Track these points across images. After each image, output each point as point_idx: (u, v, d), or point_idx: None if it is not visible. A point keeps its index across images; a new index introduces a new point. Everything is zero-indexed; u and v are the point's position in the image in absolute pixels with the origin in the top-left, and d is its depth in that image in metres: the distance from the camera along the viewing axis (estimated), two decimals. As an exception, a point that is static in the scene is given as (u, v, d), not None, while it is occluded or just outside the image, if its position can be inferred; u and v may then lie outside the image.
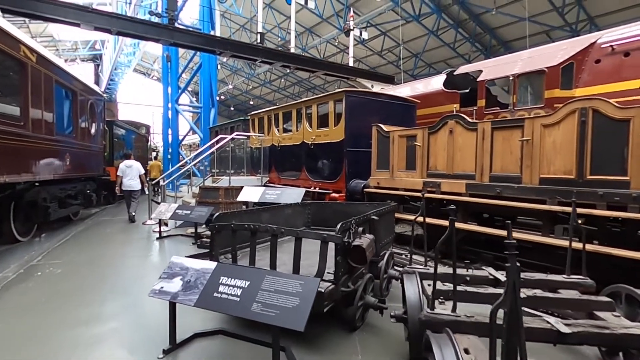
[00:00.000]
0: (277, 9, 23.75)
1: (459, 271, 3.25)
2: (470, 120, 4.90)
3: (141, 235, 7.93)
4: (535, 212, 4.20)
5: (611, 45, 6.05)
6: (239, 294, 2.73)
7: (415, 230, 4.23)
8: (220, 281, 2.95)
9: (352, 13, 14.79)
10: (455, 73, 8.40)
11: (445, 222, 5.18)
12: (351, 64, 14.54)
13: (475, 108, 7.70)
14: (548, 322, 2.27)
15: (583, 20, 17.46)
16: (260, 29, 12.47)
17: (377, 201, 6.35)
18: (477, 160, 4.78)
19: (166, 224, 8.26)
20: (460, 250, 5.39)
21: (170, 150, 16.52)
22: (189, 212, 7.12)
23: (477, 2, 18.47)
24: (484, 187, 4.68)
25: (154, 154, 21.39)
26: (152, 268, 5.39)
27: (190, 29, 11.69)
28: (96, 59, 34.45)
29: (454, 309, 2.39)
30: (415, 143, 5.56)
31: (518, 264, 1.58)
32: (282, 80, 33.37)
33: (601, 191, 3.62)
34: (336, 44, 25.17)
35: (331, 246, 3.13)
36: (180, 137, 16.98)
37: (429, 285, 2.88)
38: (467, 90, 8.48)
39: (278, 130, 9.20)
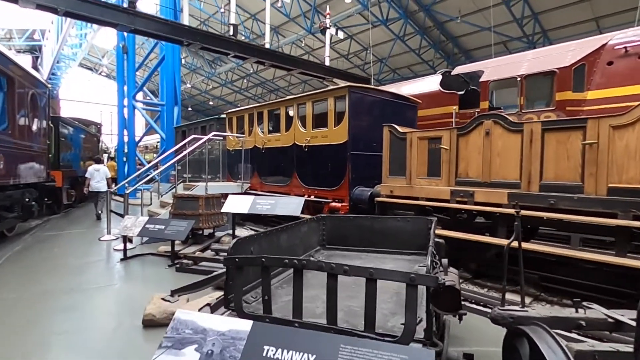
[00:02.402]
0: (241, 6, 22.27)
1: (567, 311, 2.44)
2: (513, 120, 4.17)
3: (99, 254, 6.36)
4: (603, 228, 3.55)
5: (625, 47, 5.70)
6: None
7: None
8: (266, 354, 1.84)
9: (328, 10, 13.91)
10: (452, 73, 7.80)
11: (482, 238, 4.45)
12: (327, 63, 13.65)
13: (477, 110, 7.12)
14: None
15: (538, 32, 18.11)
16: (233, 20, 11.15)
17: (389, 212, 5.47)
18: (522, 167, 4.05)
19: (130, 240, 6.75)
20: (493, 268, 4.67)
21: (126, 152, 14.52)
22: (162, 226, 5.75)
23: (442, 10, 18.50)
24: (533, 197, 3.96)
25: (105, 155, 18.91)
26: (126, 312, 3.85)
27: (155, 16, 10.08)
28: (35, 51, 30.28)
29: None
30: (441, 146, 4.75)
31: None
32: (245, 81, 31.69)
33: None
34: (302, 45, 24.19)
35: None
36: (137, 138, 15.03)
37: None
38: (464, 92, 7.93)
39: (262, 130, 8.02)
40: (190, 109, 40.47)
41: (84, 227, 8.83)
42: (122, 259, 5.90)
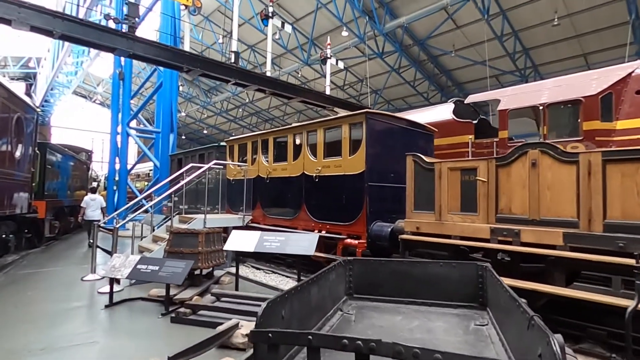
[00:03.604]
0: (239, 38, 22.34)
1: None
2: (564, 150, 3.66)
3: (81, 299, 5.46)
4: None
5: (653, 76, 5.39)
6: None
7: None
8: None
9: (329, 41, 13.80)
10: (466, 102, 7.43)
11: (535, 285, 3.80)
12: (328, 92, 13.36)
13: (495, 140, 6.69)
14: None
15: (529, 67, 18.40)
16: (234, 47, 10.82)
17: (416, 252, 4.82)
18: (580, 203, 3.49)
19: (118, 281, 5.88)
20: (547, 320, 3.99)
21: (117, 180, 13.68)
22: (156, 267, 4.94)
23: (435, 44, 18.76)
24: (595, 238, 3.37)
25: (95, 183, 17.96)
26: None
27: (154, 41, 9.67)
28: (29, 79, 29.71)
29: None
30: (478, 178, 4.20)
31: None
32: (240, 110, 31.48)
33: None
34: (299, 76, 24.23)
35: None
36: (129, 166, 14.27)
37: None
38: (476, 121, 7.54)
39: (267, 159, 7.41)
40: (184, 137, 39.95)
41: (65, 264, 7.88)
42: (107, 305, 5.03)
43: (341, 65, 14.11)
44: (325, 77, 22.91)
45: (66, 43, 16.98)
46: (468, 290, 3.35)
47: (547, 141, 3.90)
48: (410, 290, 3.49)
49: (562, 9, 14.71)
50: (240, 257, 7.65)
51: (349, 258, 3.73)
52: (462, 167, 4.40)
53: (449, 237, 4.45)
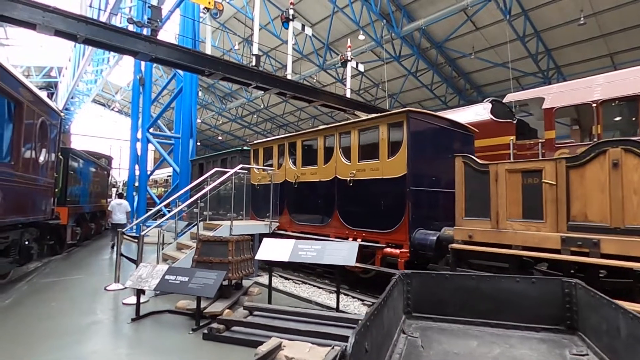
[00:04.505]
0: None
1: None
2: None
3: (105, 311, 5.11)
4: None
5: None
6: None
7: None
8: None
9: (349, 43, 13.45)
10: (504, 101, 6.93)
11: (628, 305, 3.28)
12: (349, 95, 12.97)
13: (541, 140, 6.17)
14: None
15: (552, 68, 17.74)
16: (255, 51, 10.53)
17: (468, 263, 4.34)
18: (678, 209, 2.99)
19: (143, 292, 5.52)
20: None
21: (136, 186, 13.50)
22: (185, 278, 4.57)
23: (453, 47, 18.27)
24: (701, 250, 2.86)
25: (114, 190, 17.87)
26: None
27: (177, 45, 9.45)
28: (50, 87, 30.20)
29: None
30: (545, 181, 3.71)
31: None
32: (255, 116, 31.38)
33: None
34: (314, 81, 23.94)
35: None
36: (148, 172, 14.08)
37: None
38: (514, 121, 7.04)
39: (294, 162, 7.01)
40: (199, 143, 40.04)
41: (88, 272, 7.59)
42: (133, 319, 4.67)
43: (361, 67, 13.71)
44: (341, 81, 22.74)
45: (87, 52, 17.05)
46: (552, 310, 2.85)
47: (632, 138, 3.40)
48: (480, 309, 2.99)
49: (587, 8, 14.08)
50: (265, 265, 7.28)
51: (406, 272, 3.27)
52: (524, 169, 3.92)
53: (508, 246, 3.96)
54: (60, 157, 7.87)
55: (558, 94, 6.10)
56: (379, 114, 5.44)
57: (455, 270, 4.31)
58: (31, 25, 7.53)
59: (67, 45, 23.30)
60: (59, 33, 7.59)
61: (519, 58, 17.35)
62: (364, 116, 12.63)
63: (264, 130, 33.43)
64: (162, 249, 7.03)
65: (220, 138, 37.24)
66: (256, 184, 7.96)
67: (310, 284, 6.27)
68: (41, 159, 6.47)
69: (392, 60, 19.38)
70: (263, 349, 3.30)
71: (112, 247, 10.52)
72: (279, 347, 3.40)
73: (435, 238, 4.73)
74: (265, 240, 5.08)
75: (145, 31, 8.73)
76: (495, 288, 2.94)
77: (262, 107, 28.55)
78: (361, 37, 18.24)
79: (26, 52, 24.99)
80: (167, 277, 4.66)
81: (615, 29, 14.91)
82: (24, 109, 5.44)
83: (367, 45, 18.68)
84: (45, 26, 7.38)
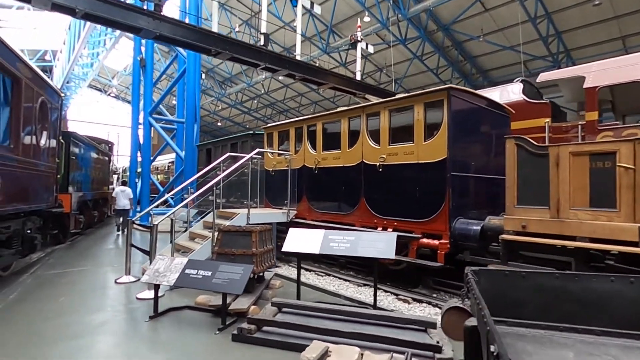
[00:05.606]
0: (256, 27, 21.30)
1: None
2: None
3: (118, 306, 4.64)
4: None
5: None
6: None
7: None
8: None
9: (359, 23, 12.72)
10: (538, 80, 6.39)
11: None
12: (359, 77, 12.34)
13: (581, 122, 5.69)
14: None
15: (562, 52, 17.14)
16: (264, 29, 9.83)
17: (519, 256, 3.90)
18: None
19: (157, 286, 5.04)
20: None
21: (138, 172, 12.89)
22: (208, 273, 4.09)
23: (461, 29, 17.55)
24: None
25: (114, 176, 17.23)
26: None
27: (182, 21, 8.73)
28: (45, 72, 28.96)
29: None
30: (620, 164, 3.24)
31: None
32: (255, 102, 30.51)
33: None
34: (316, 65, 23.08)
35: None
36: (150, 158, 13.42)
37: None
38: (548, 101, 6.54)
39: (314, 146, 6.48)
40: (198, 129, 39.13)
41: (95, 263, 7.10)
42: (151, 317, 4.21)
43: (371, 49, 13.02)
44: (344, 65, 21.94)
45: (82, 33, 16.08)
46: (655, 314, 2.40)
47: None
48: (564, 312, 2.54)
49: (601, -12, 13.43)
50: (282, 255, 6.84)
51: (473, 269, 2.80)
52: (593, 151, 3.44)
53: (571, 238, 3.52)
54: (62, 141, 7.25)
55: (601, 72, 5.58)
56: (414, 93, 4.88)
57: (507, 265, 3.88)
58: (26, 0, 6.82)
59: (61, 26, 22.18)
60: (56, 7, 6.87)
61: (527, 41, 16.72)
62: (374, 100, 12.07)
63: (264, 116, 32.62)
64: (173, 238, 6.55)
65: (219, 124, 36.35)
66: (271, 169, 7.43)
67: (334, 276, 5.85)
68: (42, 142, 5.87)
69: (398, 43, 18.62)
70: (309, 355, 2.86)
71: (117, 230, 11.08)
72: (326, 353, 2.97)
73: (479, 228, 4.29)
74: (291, 230, 4.61)
75: (145, 6, 7.97)
76: (584, 288, 2.49)
77: (262, 92, 27.69)
78: (366, 18, 17.43)
79: (20, 34, 23.75)
80: (187, 271, 4.18)
81: (629, 10, 14.30)
82: (22, 86, 4.82)
83: (372, 28, 17.89)
84: (40, 0, 6.68)
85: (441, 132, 4.53)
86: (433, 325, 3.48)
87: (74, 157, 8.98)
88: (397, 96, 5.26)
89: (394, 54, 20.02)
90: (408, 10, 16.28)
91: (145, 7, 7.81)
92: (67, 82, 24.31)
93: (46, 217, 6.97)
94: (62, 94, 7.25)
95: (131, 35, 15.87)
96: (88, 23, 14.33)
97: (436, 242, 4.52)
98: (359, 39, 12.05)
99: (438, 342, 3.13)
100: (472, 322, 2.04)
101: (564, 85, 6.56)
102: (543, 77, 6.41)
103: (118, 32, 17.04)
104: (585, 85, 5.58)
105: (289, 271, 6.51)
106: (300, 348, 3.14)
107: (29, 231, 6.21)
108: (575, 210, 3.51)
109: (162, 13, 8.07)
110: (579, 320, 2.43)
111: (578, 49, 17.05)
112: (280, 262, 7.12)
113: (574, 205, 3.52)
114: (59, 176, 7.04)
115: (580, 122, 5.70)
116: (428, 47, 18.97)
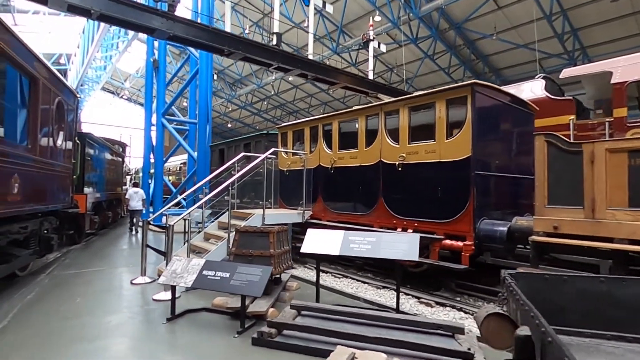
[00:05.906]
0: (267, 28, 21.30)
1: None
2: None
3: (135, 308, 4.57)
4: None
5: None
6: None
7: None
8: None
9: (371, 22, 12.58)
10: (561, 76, 6.16)
11: None
12: (371, 77, 12.19)
13: (608, 119, 5.46)
14: None
15: (577, 49, 16.73)
16: (276, 29, 9.76)
17: (550, 257, 3.71)
18: None
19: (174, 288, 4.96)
20: None
21: (152, 173, 12.93)
22: (226, 274, 3.98)
23: (473, 28, 17.26)
24: None
25: (127, 177, 17.36)
26: None
27: (195, 22, 8.70)
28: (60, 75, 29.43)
29: None
30: (663, 162, 3.05)
31: None
32: (264, 103, 30.56)
33: None
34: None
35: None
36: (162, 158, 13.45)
37: None
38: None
39: (330, 146, 6.36)
40: (208, 131, 39.39)
41: (110, 264, 7.08)
42: (168, 319, 4.13)
43: (383, 48, 12.86)
44: (355, 65, 21.80)
45: (96, 37, 16.25)
46: None
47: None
48: (611, 320, 2.37)
49: (620, -16, 13.04)
50: (297, 256, 6.72)
51: (510, 272, 2.64)
52: (632, 148, 3.24)
53: (607, 239, 3.33)
54: (78, 142, 7.26)
55: (629, 67, 5.35)
56: (435, 89, 4.72)
57: (537, 268, 3.69)
58: (43, 1, 6.86)
59: (76, 30, 22.48)
60: (72, 8, 6.91)
61: (541, 39, 16.35)
62: (387, 99, 11.89)
63: (273, 117, 32.65)
64: (189, 239, 6.49)
65: (229, 125, 36.51)
66: (285, 169, 7.32)
67: (352, 278, 5.70)
68: (59, 143, 5.87)
69: (409, 43, 18.39)
70: (335, 361, 2.73)
71: (130, 230, 11.36)
72: (352, 359, 2.83)
73: (505, 229, 4.10)
74: (310, 231, 4.49)
75: (159, 6, 7.95)
76: (633, 293, 2.31)
77: (272, 93, 27.70)
78: (377, 18, 17.25)
79: (35, 38, 24.18)
80: (205, 272, 4.09)
81: (648, 5, 13.86)
82: (39, 86, 4.80)
83: (382, 27, 17.70)
84: (57, 1, 6.71)
85: (465, 130, 4.36)
86: (461, 330, 3.32)
87: (89, 158, 9.02)
88: (416, 93, 5.09)
89: (406, 53, 19.80)
90: (420, 9, 16.06)
91: (158, 8, 7.80)
92: (81, 85, 24.64)
93: (62, 217, 6.98)
94: (78, 95, 7.26)
95: (144, 37, 15.98)
96: (102, 27, 14.48)
97: (460, 243, 4.34)
98: (372, 37, 11.89)
99: (469, 349, 2.97)
100: (524, 331, 1.89)
101: (588, 81, 6.33)
102: (567, 72, 6.18)
103: (131, 35, 17.23)
104: (612, 81, 5.35)
105: (305, 273, 6.39)
106: (323, 353, 3.01)
107: (45, 231, 6.21)
108: (612, 210, 3.31)
109: (175, 13, 8.05)
110: (627, 327, 2.25)
111: (594, 46, 16.62)
112: (296, 263, 7.00)
113: (611, 204, 3.32)
114: (74, 177, 7.04)
115: (607, 119, 5.46)
116: (440, 46, 18.71)
